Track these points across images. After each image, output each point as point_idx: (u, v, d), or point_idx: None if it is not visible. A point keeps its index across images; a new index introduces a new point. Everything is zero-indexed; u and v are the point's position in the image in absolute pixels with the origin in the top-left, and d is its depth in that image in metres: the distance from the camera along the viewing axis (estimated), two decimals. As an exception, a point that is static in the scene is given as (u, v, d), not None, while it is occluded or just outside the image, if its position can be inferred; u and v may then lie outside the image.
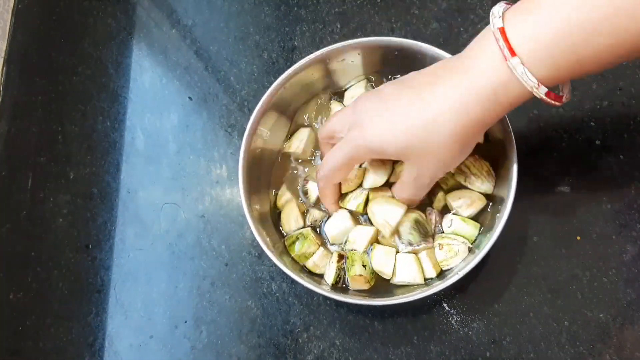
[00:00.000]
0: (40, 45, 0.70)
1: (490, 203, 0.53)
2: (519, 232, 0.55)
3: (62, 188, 0.64)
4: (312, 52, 0.55)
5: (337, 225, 0.53)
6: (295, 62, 0.55)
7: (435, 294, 0.54)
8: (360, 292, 0.52)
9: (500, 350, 0.52)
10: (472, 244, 0.52)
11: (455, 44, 0.62)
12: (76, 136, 0.66)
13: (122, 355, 0.57)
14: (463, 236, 0.52)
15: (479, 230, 0.52)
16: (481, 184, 0.52)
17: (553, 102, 0.41)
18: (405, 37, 0.58)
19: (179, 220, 0.61)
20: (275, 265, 0.50)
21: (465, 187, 0.53)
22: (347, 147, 0.47)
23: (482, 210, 0.53)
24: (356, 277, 0.51)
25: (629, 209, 0.55)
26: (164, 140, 0.64)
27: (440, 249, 0.52)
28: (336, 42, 0.56)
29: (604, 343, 0.51)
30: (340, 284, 0.53)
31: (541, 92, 0.40)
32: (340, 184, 0.53)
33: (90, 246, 0.61)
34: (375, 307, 0.55)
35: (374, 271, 0.52)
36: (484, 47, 0.41)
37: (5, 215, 0.64)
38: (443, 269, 0.52)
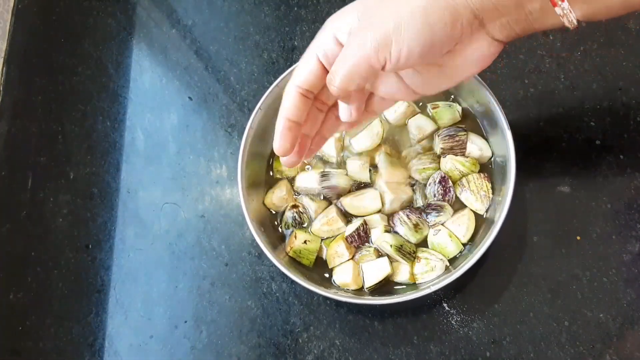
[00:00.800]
0: (40, 45, 0.70)
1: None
2: (518, 232, 0.55)
3: (62, 188, 0.64)
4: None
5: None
6: (295, 62, 0.55)
7: (435, 293, 0.54)
8: (360, 292, 0.52)
9: (500, 350, 0.52)
10: (449, 262, 0.52)
11: (455, 44, 0.62)
12: (76, 136, 0.66)
13: (122, 355, 0.57)
14: (442, 252, 0.52)
15: (460, 251, 0.52)
16: (474, 202, 0.53)
17: (569, 24, 0.36)
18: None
19: (179, 220, 0.61)
20: (275, 265, 0.50)
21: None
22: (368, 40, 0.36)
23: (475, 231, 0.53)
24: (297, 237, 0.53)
25: (629, 209, 0.55)
26: (164, 140, 0.64)
27: (418, 262, 0.52)
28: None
29: (604, 343, 0.51)
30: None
31: (565, 6, 0.35)
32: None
33: (90, 246, 0.61)
34: (375, 307, 0.55)
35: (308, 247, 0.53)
36: None
37: (5, 215, 0.64)
38: (417, 281, 0.52)
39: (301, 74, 0.40)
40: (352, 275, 0.52)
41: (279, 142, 0.41)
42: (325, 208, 0.55)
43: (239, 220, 0.60)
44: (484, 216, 0.53)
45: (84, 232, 0.62)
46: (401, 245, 0.52)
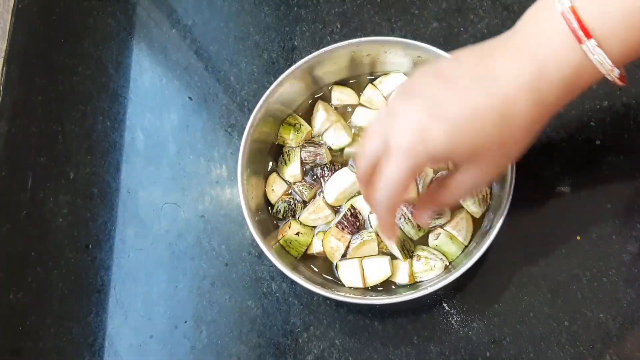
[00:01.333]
0: (40, 45, 0.70)
1: (491, 204, 0.53)
2: (519, 232, 0.55)
3: (62, 188, 0.64)
4: (311, 52, 0.55)
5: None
6: (295, 62, 0.55)
7: (435, 293, 0.54)
8: (360, 292, 0.52)
9: (500, 350, 0.52)
10: (450, 262, 0.52)
11: (455, 44, 0.62)
12: (76, 136, 0.66)
13: (122, 355, 0.57)
14: (444, 253, 0.52)
15: (462, 250, 0.52)
16: (472, 204, 0.53)
17: (622, 83, 0.38)
18: (405, 37, 0.58)
19: (179, 220, 0.61)
20: (275, 265, 0.50)
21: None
22: (406, 163, 0.38)
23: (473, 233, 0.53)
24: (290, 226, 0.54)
25: (629, 209, 0.55)
26: (164, 140, 0.64)
27: (417, 260, 0.52)
28: (336, 42, 0.56)
29: (604, 343, 0.51)
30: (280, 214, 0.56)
31: (615, 74, 0.37)
32: None
33: (90, 246, 0.61)
34: (375, 307, 0.55)
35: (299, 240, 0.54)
36: (547, 25, 0.37)
37: (5, 215, 0.64)
38: (416, 280, 0.52)
39: (400, 196, 0.41)
40: (359, 274, 0.52)
41: (390, 238, 0.46)
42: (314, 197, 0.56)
43: (239, 220, 0.60)
44: (484, 216, 0.53)
45: (84, 232, 0.62)
46: (403, 241, 0.52)
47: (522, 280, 0.54)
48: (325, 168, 0.56)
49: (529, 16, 0.39)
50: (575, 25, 0.35)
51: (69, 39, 0.70)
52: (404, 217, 0.53)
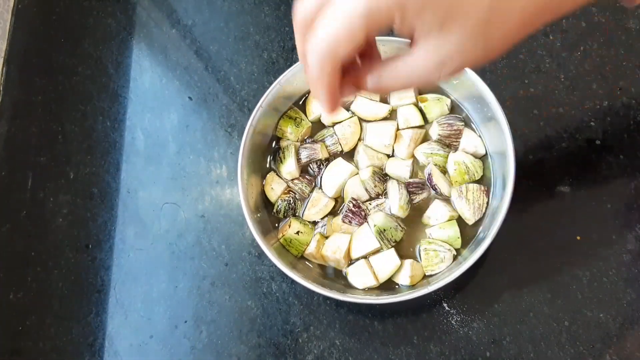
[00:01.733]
0: (40, 45, 0.70)
1: (487, 200, 0.53)
2: (518, 232, 0.55)
3: (62, 188, 0.64)
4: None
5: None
6: (295, 62, 0.55)
7: (435, 293, 0.54)
8: (360, 291, 0.52)
9: (500, 350, 0.52)
10: (457, 248, 0.52)
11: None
12: (76, 136, 0.66)
13: (122, 355, 0.57)
14: (448, 241, 0.52)
15: (457, 225, 0.53)
16: (467, 211, 0.53)
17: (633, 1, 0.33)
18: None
19: (179, 220, 0.61)
20: (275, 265, 0.50)
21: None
22: (362, 6, 0.29)
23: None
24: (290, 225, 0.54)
25: (629, 209, 0.55)
26: (164, 140, 0.64)
27: (426, 255, 0.52)
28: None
29: (604, 343, 0.51)
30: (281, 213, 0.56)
31: None
32: (339, 71, 0.33)
33: (90, 246, 0.61)
34: (375, 307, 0.55)
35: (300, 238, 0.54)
36: None
37: (5, 215, 0.64)
38: (427, 274, 0.52)
39: (346, 48, 0.30)
40: (370, 273, 0.52)
41: (330, 111, 0.34)
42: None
43: (239, 220, 0.60)
44: (481, 219, 0.53)
45: (84, 232, 0.62)
46: (384, 230, 0.52)
47: (522, 280, 0.54)
48: (321, 164, 0.56)
49: None
50: None
51: (69, 39, 0.70)
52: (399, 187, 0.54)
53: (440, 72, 0.31)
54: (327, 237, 0.54)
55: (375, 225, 0.52)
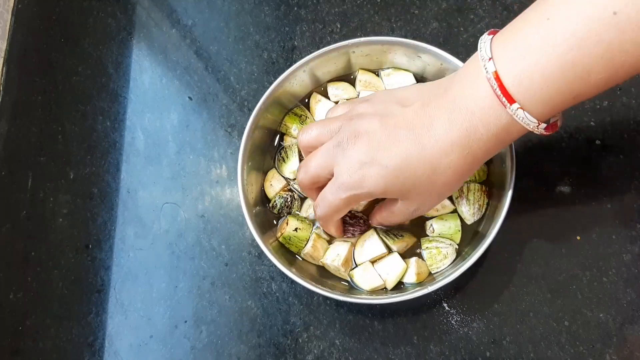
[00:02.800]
0: (40, 45, 0.70)
1: (488, 201, 0.53)
2: (518, 232, 0.55)
3: (62, 188, 0.64)
4: (312, 52, 0.55)
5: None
6: (295, 62, 0.55)
7: (435, 293, 0.54)
8: (360, 291, 0.52)
9: (500, 350, 0.52)
10: (458, 242, 0.52)
11: (455, 44, 0.62)
12: (76, 136, 0.66)
13: (122, 355, 0.57)
14: (449, 237, 0.52)
15: (460, 218, 0.53)
16: (467, 211, 0.53)
17: (550, 133, 0.42)
18: (405, 37, 0.58)
19: (179, 220, 0.61)
20: (275, 265, 0.50)
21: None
22: (345, 195, 0.45)
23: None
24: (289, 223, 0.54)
25: (629, 209, 0.55)
26: (164, 140, 0.64)
27: (429, 252, 0.52)
28: (336, 42, 0.57)
29: (604, 343, 0.51)
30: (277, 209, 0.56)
31: (541, 129, 0.41)
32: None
33: (90, 246, 0.61)
34: (375, 307, 0.55)
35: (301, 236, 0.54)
36: (476, 87, 0.40)
37: (5, 215, 0.64)
38: (432, 272, 0.52)
39: (338, 216, 0.51)
40: (377, 274, 0.52)
41: (340, 235, 0.54)
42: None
43: (239, 220, 0.60)
44: (481, 220, 0.53)
45: (84, 232, 0.62)
46: (387, 231, 0.53)
47: (522, 280, 0.54)
48: None
49: (461, 73, 0.42)
50: (499, 91, 0.38)
51: (69, 39, 0.70)
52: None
53: (414, 215, 0.49)
54: (328, 242, 0.54)
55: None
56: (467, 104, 0.41)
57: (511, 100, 0.38)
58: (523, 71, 0.38)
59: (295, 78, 0.56)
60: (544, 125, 0.40)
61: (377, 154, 0.43)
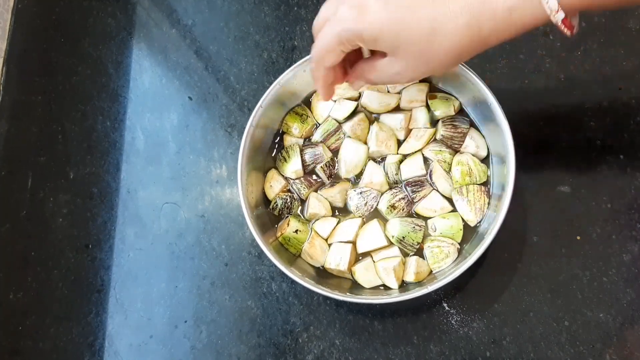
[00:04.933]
0: (40, 45, 0.70)
1: (489, 200, 0.53)
2: (518, 232, 0.55)
3: (62, 188, 0.64)
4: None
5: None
6: (295, 62, 0.55)
7: (435, 293, 0.54)
8: (360, 291, 0.52)
9: (500, 350, 0.52)
10: (460, 241, 0.52)
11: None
12: (76, 136, 0.66)
13: (122, 355, 0.57)
14: (451, 236, 0.52)
15: (462, 219, 0.53)
16: (468, 212, 0.53)
17: (566, 30, 0.39)
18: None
19: (179, 220, 0.61)
20: (275, 265, 0.50)
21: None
22: (338, 27, 0.42)
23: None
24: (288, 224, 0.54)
25: (629, 209, 0.55)
26: (164, 140, 0.64)
27: (430, 252, 0.52)
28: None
29: (604, 343, 0.51)
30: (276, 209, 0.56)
31: (559, 17, 0.38)
32: (334, 69, 0.47)
33: (90, 246, 0.61)
34: (375, 307, 0.55)
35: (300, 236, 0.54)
36: None
37: (5, 215, 0.64)
38: (434, 271, 0.52)
39: (329, 59, 0.45)
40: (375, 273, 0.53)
41: (324, 99, 0.50)
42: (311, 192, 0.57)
43: (239, 220, 0.60)
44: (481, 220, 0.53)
45: (84, 232, 0.62)
46: (404, 237, 0.52)
47: (522, 280, 0.54)
48: (326, 166, 0.56)
49: None
50: None
51: (69, 39, 0.70)
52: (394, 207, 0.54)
53: (396, 79, 0.45)
54: (328, 239, 0.54)
55: (394, 237, 0.52)
56: None
57: None
58: None
59: (297, 77, 0.56)
60: (562, 14, 0.37)
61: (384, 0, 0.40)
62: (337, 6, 0.43)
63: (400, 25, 0.40)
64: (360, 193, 0.55)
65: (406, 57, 0.42)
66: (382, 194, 0.55)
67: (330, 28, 0.43)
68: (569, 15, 0.38)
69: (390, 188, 0.55)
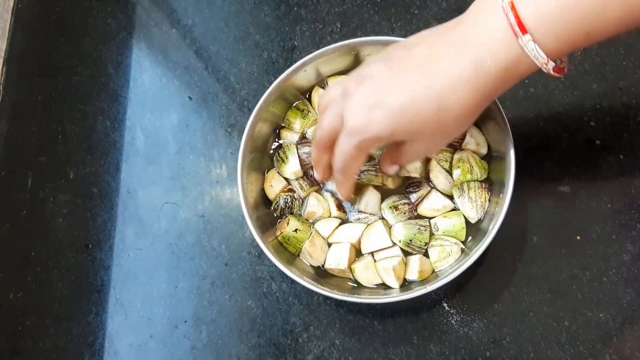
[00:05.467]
0: (40, 45, 0.70)
1: (489, 197, 0.53)
2: (518, 232, 0.55)
3: (62, 188, 0.64)
4: (312, 52, 0.55)
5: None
6: (295, 62, 0.55)
7: (435, 293, 0.54)
8: (360, 291, 0.52)
9: (500, 350, 0.52)
10: (464, 240, 0.52)
11: (455, 43, 0.62)
12: (76, 136, 0.66)
13: (122, 355, 0.57)
14: (455, 234, 0.52)
15: (464, 217, 0.53)
16: (469, 209, 0.53)
17: (558, 74, 0.41)
18: (405, 36, 0.58)
19: (179, 220, 0.61)
20: (275, 265, 0.50)
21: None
22: (354, 140, 0.44)
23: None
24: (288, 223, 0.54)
25: (629, 209, 0.55)
26: (164, 140, 0.64)
27: (433, 250, 0.52)
28: (336, 41, 0.56)
29: (604, 343, 0.51)
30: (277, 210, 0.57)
31: (550, 67, 0.40)
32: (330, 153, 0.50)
33: (90, 246, 0.61)
34: (375, 306, 0.55)
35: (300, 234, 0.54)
36: (489, 18, 0.40)
37: (5, 215, 0.64)
38: (436, 270, 0.52)
39: (352, 168, 0.49)
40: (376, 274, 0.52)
41: (346, 199, 0.56)
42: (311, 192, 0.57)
43: (239, 220, 0.60)
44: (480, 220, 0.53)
45: (84, 232, 0.62)
46: (411, 240, 0.52)
47: (522, 280, 0.54)
48: None
49: (475, 7, 0.41)
50: (513, 20, 0.38)
51: (69, 39, 0.70)
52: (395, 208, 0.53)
53: (425, 155, 0.52)
54: (328, 238, 0.54)
55: (401, 241, 0.52)
56: (477, 37, 0.40)
57: (524, 31, 0.38)
58: (539, 3, 0.38)
59: (297, 77, 0.56)
60: (552, 64, 0.39)
61: (382, 95, 0.42)
62: (340, 116, 0.45)
63: (408, 118, 0.42)
64: (358, 219, 0.55)
65: (424, 139, 0.44)
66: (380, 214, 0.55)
67: (346, 141, 0.45)
68: (558, 61, 0.40)
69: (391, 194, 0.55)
